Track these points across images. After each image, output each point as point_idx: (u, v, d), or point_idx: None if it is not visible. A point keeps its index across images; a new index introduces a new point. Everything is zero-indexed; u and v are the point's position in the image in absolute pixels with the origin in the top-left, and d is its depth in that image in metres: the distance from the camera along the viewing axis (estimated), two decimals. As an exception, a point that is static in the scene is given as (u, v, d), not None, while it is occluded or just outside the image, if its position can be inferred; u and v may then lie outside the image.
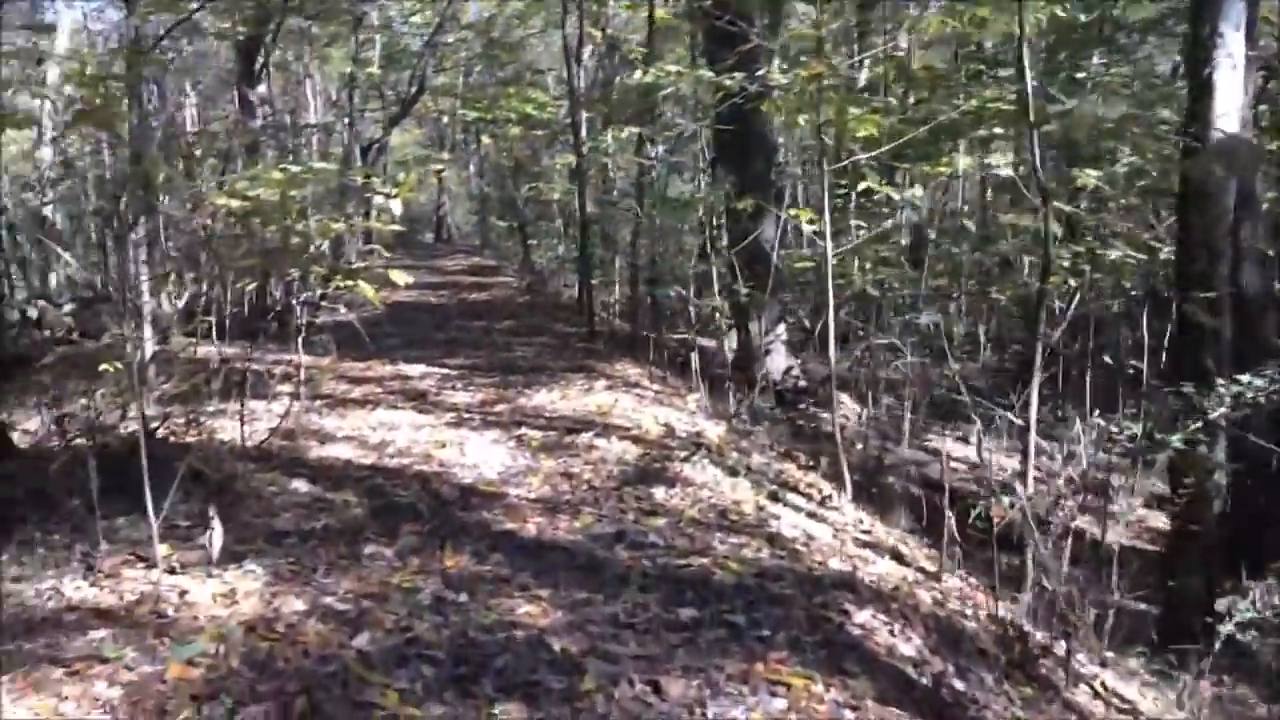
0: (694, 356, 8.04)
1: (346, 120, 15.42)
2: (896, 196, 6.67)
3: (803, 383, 11.05)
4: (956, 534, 4.68)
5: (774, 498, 5.13)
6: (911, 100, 8.38)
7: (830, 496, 5.60)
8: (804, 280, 12.36)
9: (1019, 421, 7.43)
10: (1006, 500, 4.22)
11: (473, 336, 10.64)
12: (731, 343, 12.25)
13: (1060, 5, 7.31)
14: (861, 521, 5.35)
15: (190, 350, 8.76)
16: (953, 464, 9.68)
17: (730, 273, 12.91)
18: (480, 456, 5.47)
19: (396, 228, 5.32)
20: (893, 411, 10.90)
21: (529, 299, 13.71)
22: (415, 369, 8.64)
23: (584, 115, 10.83)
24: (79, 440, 5.55)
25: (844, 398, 10.91)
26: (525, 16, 16.37)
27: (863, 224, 9.03)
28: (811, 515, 5.03)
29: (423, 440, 5.76)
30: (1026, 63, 5.06)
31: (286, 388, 7.68)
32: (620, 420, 6.32)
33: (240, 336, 9.30)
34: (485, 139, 19.64)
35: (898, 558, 4.75)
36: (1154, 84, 8.33)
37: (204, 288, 9.12)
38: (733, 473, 5.41)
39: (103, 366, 6.13)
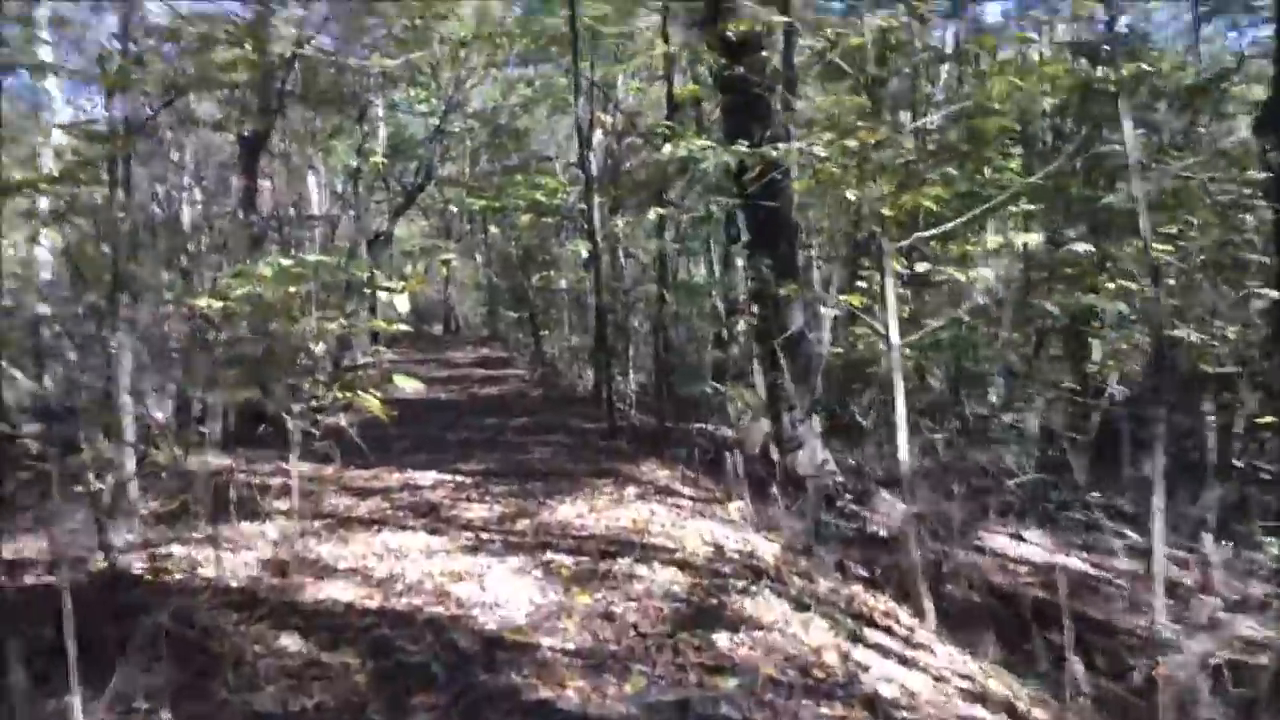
0: (733, 459, 7.18)
1: (351, 212, 14.79)
2: (962, 278, 5.92)
3: (839, 478, 10.19)
4: (1083, 683, 3.80)
5: (855, 638, 4.26)
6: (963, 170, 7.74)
7: (912, 629, 4.72)
8: (844, 366, 11.60)
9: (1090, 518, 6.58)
10: (1171, 657, 3.35)
11: (486, 436, 9.82)
12: (756, 435, 11.47)
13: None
14: (956, 661, 4.47)
15: (180, 462, 7.95)
16: (1011, 564, 8.78)
17: (746, 360, 12.19)
18: (504, 592, 4.61)
19: (404, 327, 4.54)
20: (935, 505, 10.04)
21: (543, 392, 12.92)
22: (426, 476, 7.81)
23: (597, 200, 10.17)
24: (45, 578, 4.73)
25: (882, 492, 10.07)
26: (531, 104, 15.90)
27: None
28: (903, 660, 4.15)
29: (436, 572, 4.90)
30: (1128, 127, 4.33)
31: (282, 504, 6.85)
32: (661, 539, 5.46)
33: (235, 444, 8.53)
34: (493, 228, 19.06)
35: (1011, 713, 3.87)
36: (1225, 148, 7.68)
37: (197, 394, 8.36)
38: (801, 606, 4.54)
39: (78, 489, 5.35)
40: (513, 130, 15.12)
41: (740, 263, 15.03)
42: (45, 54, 11.08)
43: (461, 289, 26.16)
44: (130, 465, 6.21)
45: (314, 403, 6.94)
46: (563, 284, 14.96)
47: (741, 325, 14.48)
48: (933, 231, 5.50)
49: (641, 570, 4.85)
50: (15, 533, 5.59)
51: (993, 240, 10.75)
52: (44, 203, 14.08)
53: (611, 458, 8.55)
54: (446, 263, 24.07)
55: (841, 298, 6.20)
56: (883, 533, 8.81)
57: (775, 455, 9.88)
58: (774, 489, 7.68)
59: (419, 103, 14.00)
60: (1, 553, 4.59)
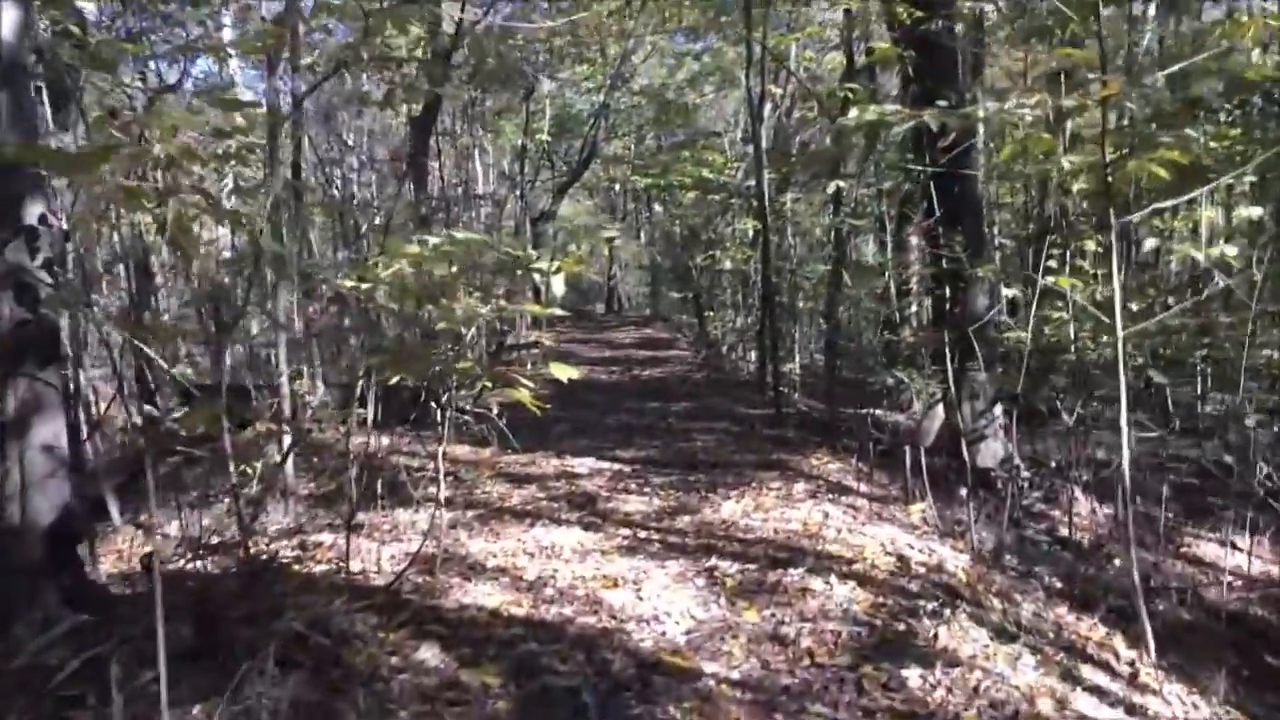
0: (911, 453, 6.52)
1: (517, 192, 14.60)
2: (1200, 257, 5.06)
3: (1025, 473, 9.31)
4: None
5: (1069, 677, 3.60)
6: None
7: (1134, 664, 4.01)
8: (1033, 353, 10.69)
9: None
10: None
11: (646, 421, 9.39)
12: (932, 426, 10.71)
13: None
14: (1187, 704, 3.75)
15: (339, 443, 7.80)
16: (1225, 576, 7.78)
17: (920, 344, 11.39)
18: (662, 603, 4.13)
19: (557, 310, 4.09)
20: (1139, 508, 9.09)
21: (706, 375, 12.43)
22: (583, 463, 7.44)
23: (766, 175, 9.57)
24: (197, 562, 4.53)
25: (1075, 491, 9.17)
26: (699, 78, 15.35)
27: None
28: (1129, 709, 3.47)
29: (590, 575, 4.47)
30: None
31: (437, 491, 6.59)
32: (836, 546, 4.88)
33: (396, 425, 8.37)
34: (657, 207, 18.66)
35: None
36: None
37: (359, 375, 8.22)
38: (1004, 635, 3.90)
39: (240, 467, 5.18)
40: (679, 105, 14.60)
41: (915, 241, 14.17)
42: (227, 35, 11.19)
43: (625, 268, 25.95)
44: (286, 444, 6.03)
45: (469, 387, 6.65)
46: (727, 264, 14.42)
47: (914, 308, 13.65)
48: (1169, 202, 4.69)
49: (816, 583, 4.29)
50: (173, 514, 5.47)
51: (1207, 215, 9.62)
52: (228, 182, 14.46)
53: (778, 447, 7.99)
54: (610, 242, 23.86)
55: (1049, 280, 5.41)
56: (1080, 538, 7.96)
57: (954, 448, 9.16)
58: (960, 489, 6.99)
59: (584, 79, 13.67)
60: (151, 538, 4.40)
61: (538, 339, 15.61)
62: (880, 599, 4.13)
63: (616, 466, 7.35)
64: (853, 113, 4.74)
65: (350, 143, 15.12)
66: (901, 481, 7.24)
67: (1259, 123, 7.27)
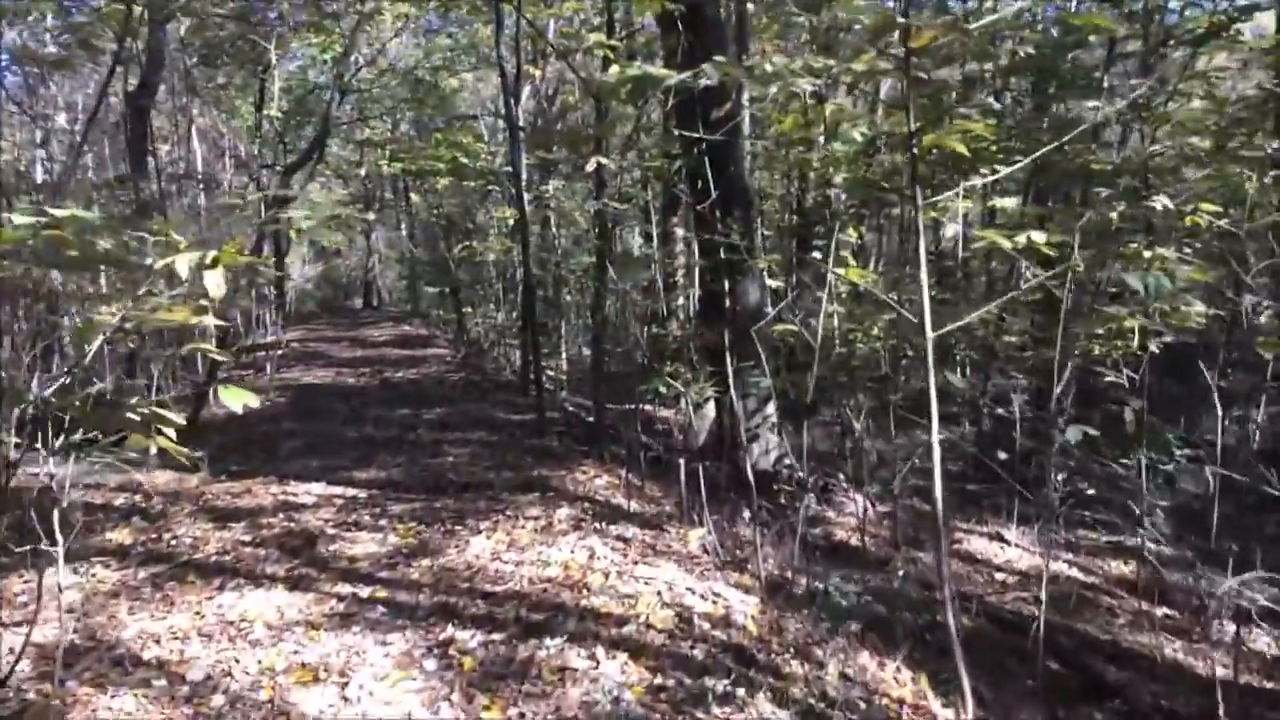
0: (680, 462, 5.68)
1: (251, 176, 12.91)
2: (1007, 245, 4.40)
3: (799, 473, 8.75)
4: None
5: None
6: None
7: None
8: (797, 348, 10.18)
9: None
10: None
11: (393, 433, 8.17)
12: (701, 425, 10.07)
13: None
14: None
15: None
16: (998, 573, 7.41)
17: (686, 339, 10.77)
18: (375, 703, 3.04)
19: (210, 320, 2.90)
20: (907, 500, 8.73)
21: (464, 376, 11.28)
22: (310, 490, 6.18)
23: (525, 160, 8.54)
24: None
25: (842, 482, 8.70)
26: (453, 58, 14.12)
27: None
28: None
29: (282, 665, 3.31)
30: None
31: (120, 533, 5.19)
32: (603, 599, 3.92)
33: (78, 450, 6.81)
34: (414, 196, 17.28)
35: None
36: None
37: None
38: (811, 716, 3.04)
39: None
40: (431, 87, 13.32)
41: (680, 233, 13.54)
42: None
43: (385, 261, 24.28)
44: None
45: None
46: (490, 256, 13.29)
47: (680, 300, 13.01)
48: (974, 182, 4.00)
49: (578, 659, 3.31)
50: None
51: (964, 205, 9.35)
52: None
53: (540, 461, 7.00)
54: (366, 233, 22.17)
55: (840, 271, 4.67)
56: (861, 544, 7.44)
57: (728, 451, 8.52)
58: (741, 506, 6.25)
59: (322, 52, 12.22)
60: None
61: (277, 340, 13.98)
62: (659, 678, 3.19)
63: (350, 492, 6.15)
64: (613, 70, 3.78)
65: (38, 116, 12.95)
66: (676, 496, 6.42)
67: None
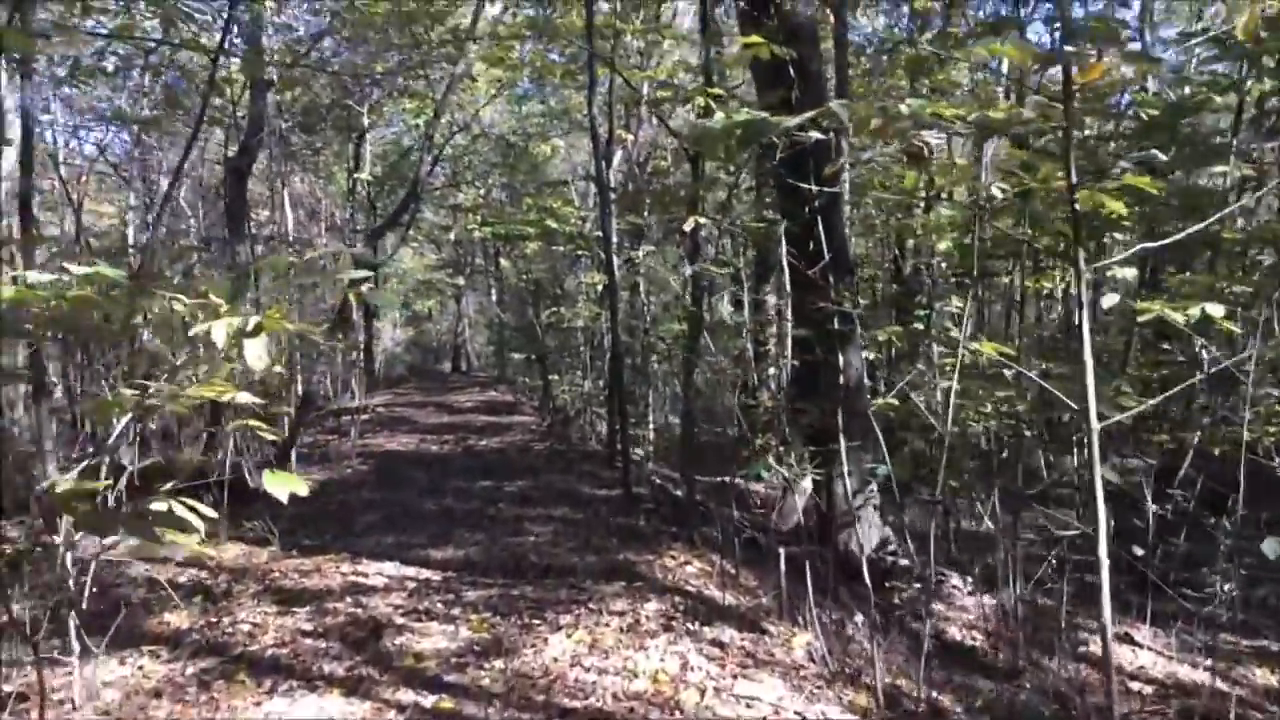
0: (774, 546, 5.11)
1: (344, 240, 12.82)
2: (1178, 319, 3.77)
3: (902, 561, 8.06)
4: None
5: None
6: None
7: None
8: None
9: None
10: None
11: (473, 505, 7.74)
12: (794, 505, 9.46)
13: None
14: None
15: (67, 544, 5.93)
16: (1133, 680, 6.59)
17: (778, 411, 10.24)
18: None
19: (244, 397, 2.47)
20: (1022, 595, 7.95)
21: (549, 445, 10.85)
22: (382, 570, 5.75)
23: (615, 224, 8.16)
24: None
25: (953, 579, 7.99)
26: (544, 126, 13.97)
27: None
28: None
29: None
30: None
31: (176, 618, 4.80)
32: (700, 722, 3.35)
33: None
34: (504, 261, 17.12)
35: None
36: None
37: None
38: None
39: None
40: (523, 152, 13.16)
41: (773, 300, 13.01)
42: None
43: (474, 326, 24.22)
44: None
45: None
46: (579, 322, 12.94)
47: (772, 370, 12.42)
48: (1146, 245, 3.41)
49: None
50: None
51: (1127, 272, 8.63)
52: None
53: (626, 542, 6.48)
54: (456, 298, 22.14)
55: (975, 346, 4.11)
56: (970, 639, 6.76)
57: (824, 534, 7.92)
58: (845, 598, 5.64)
59: (415, 116, 12.12)
60: None
61: (364, 405, 13.77)
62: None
63: (424, 574, 5.70)
64: (718, 116, 3.32)
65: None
66: (773, 584, 5.83)
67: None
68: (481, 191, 16.80)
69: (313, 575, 5.63)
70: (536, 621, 4.64)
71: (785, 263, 7.37)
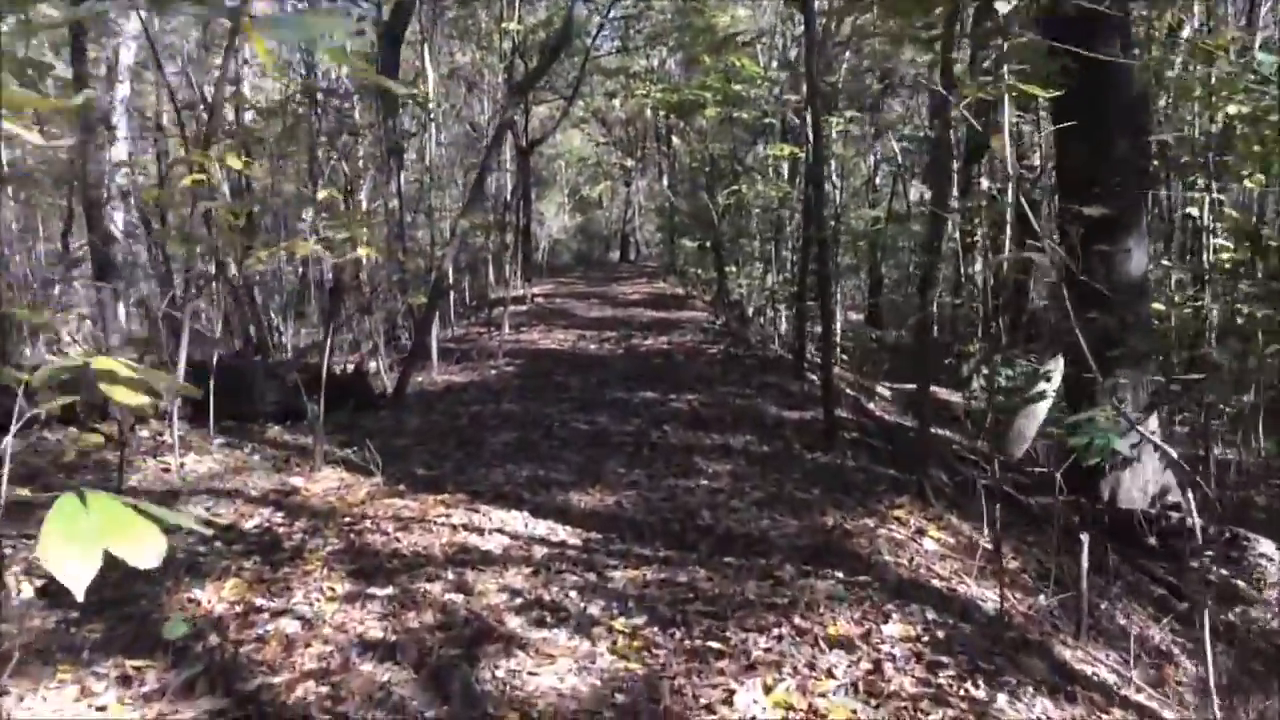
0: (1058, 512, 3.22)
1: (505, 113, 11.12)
2: None
3: (1192, 519, 5.92)
4: None
5: None
6: None
7: None
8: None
9: None
10: None
11: (633, 427, 6.08)
12: (1024, 430, 7.54)
13: None
14: None
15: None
16: None
17: (988, 318, 8.33)
18: None
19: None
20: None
21: (724, 348, 9.05)
22: (505, 524, 4.17)
23: (819, 74, 6.12)
24: None
25: (1262, 543, 5.89)
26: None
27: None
28: None
29: None
30: None
31: (208, 595, 3.33)
32: None
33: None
34: (676, 140, 15.19)
35: None
36: None
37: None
38: None
39: None
40: (698, 6, 11.02)
41: (985, 184, 10.70)
42: None
43: (644, 213, 22.42)
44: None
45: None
46: (759, 205, 10.97)
47: (978, 266, 10.21)
48: None
49: None
50: None
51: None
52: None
53: (832, 493, 4.69)
54: (627, 182, 20.35)
55: None
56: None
57: (1084, 480, 5.95)
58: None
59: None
60: None
61: (522, 294, 12.28)
62: None
63: (560, 534, 4.08)
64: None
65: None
66: (1038, 556, 3.98)
67: None
68: (654, 60, 14.79)
69: (413, 528, 4.09)
70: (714, 645, 2.92)
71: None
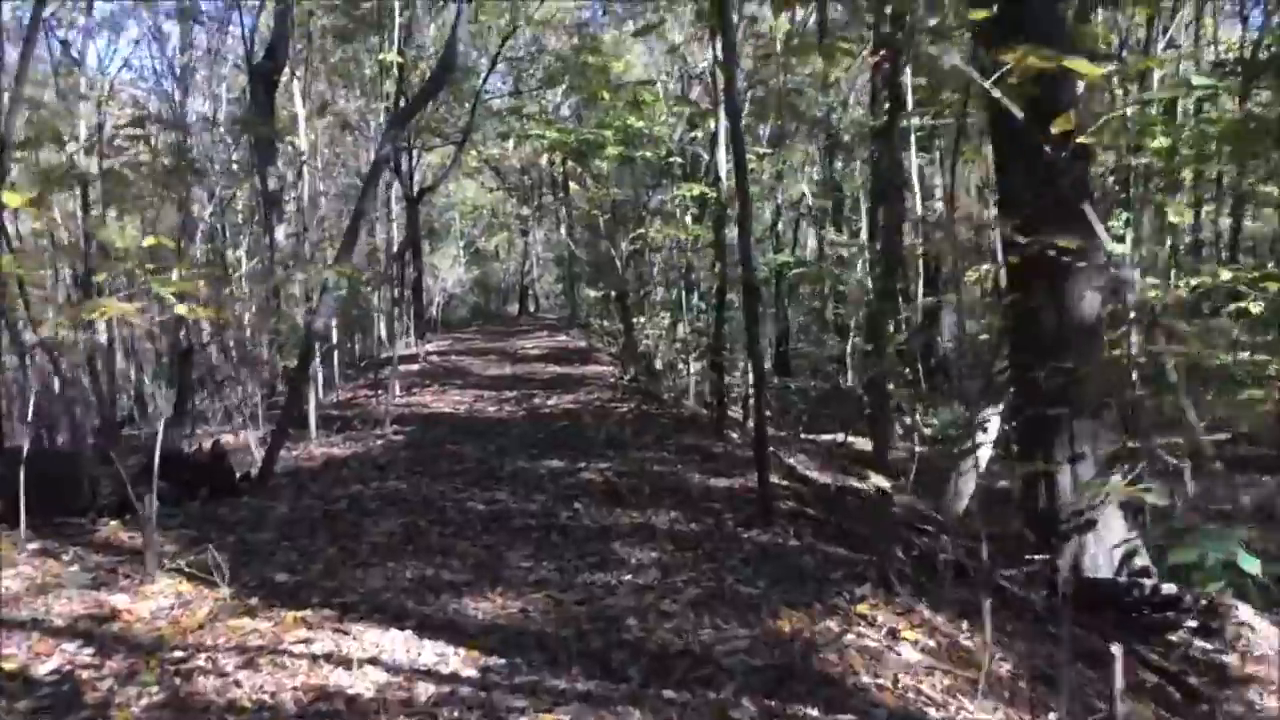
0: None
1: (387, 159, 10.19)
2: None
3: (1168, 587, 5.30)
4: None
5: None
6: None
7: None
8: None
9: None
10: None
11: (539, 504, 5.21)
12: (965, 490, 6.88)
13: None
14: None
15: None
16: None
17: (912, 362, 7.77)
18: None
19: None
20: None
21: (634, 406, 8.25)
22: (383, 649, 3.26)
23: (739, 97, 5.43)
24: None
25: (1240, 608, 5.28)
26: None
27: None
28: None
29: None
30: None
31: None
32: None
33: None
34: (573, 186, 14.47)
35: None
36: None
37: None
38: None
39: None
40: (594, 46, 10.36)
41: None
42: None
43: (542, 264, 21.60)
44: None
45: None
46: (662, 250, 10.27)
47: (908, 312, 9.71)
48: None
49: None
50: None
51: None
52: None
53: (778, 586, 3.89)
54: (524, 233, 19.54)
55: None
56: None
57: (1041, 543, 5.41)
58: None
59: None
60: None
61: (417, 351, 11.29)
62: None
63: (451, 662, 3.18)
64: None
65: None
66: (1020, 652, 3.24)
67: None
68: (549, 104, 14.07)
69: (261, 663, 3.13)
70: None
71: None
